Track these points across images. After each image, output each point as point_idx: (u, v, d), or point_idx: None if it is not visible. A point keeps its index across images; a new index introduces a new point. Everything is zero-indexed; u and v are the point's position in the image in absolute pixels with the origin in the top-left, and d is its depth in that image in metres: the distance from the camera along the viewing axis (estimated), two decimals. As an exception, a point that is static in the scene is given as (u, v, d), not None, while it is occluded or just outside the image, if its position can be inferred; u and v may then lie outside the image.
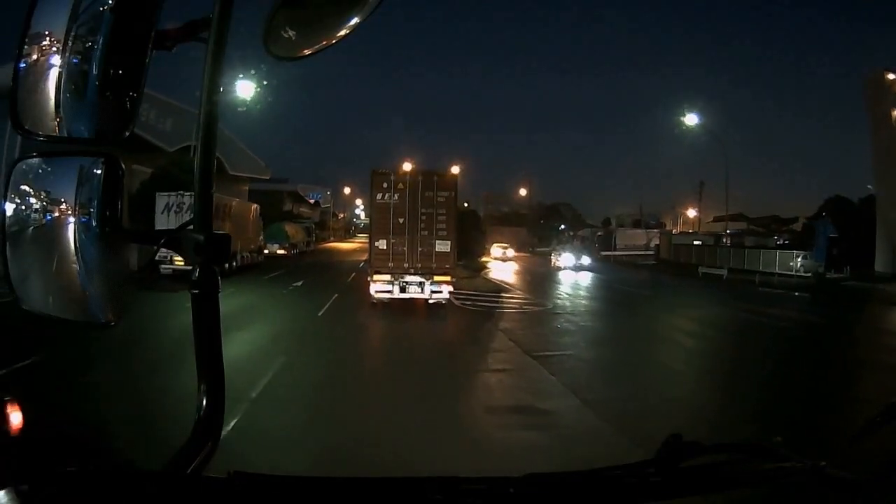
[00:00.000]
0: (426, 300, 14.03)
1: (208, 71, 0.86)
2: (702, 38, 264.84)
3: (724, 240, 40.86)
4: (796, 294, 22.69)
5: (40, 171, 0.96)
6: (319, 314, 13.02)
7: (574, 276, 29.80)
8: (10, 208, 0.93)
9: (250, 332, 10.13)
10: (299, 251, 38.91)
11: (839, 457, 1.03)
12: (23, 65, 0.90)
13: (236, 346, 8.28)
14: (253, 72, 17.64)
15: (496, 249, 43.31)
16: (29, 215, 0.95)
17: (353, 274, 22.47)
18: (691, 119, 35.53)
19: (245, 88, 20.44)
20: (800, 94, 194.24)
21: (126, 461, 0.89)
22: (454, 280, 14.40)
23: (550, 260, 39.28)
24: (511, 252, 44.59)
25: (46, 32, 0.88)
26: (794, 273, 28.64)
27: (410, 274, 13.74)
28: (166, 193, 19.84)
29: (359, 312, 13.61)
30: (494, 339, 10.92)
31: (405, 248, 13.74)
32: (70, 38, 0.87)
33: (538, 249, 58.04)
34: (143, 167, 21.64)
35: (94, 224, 0.89)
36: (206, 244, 0.87)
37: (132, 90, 0.88)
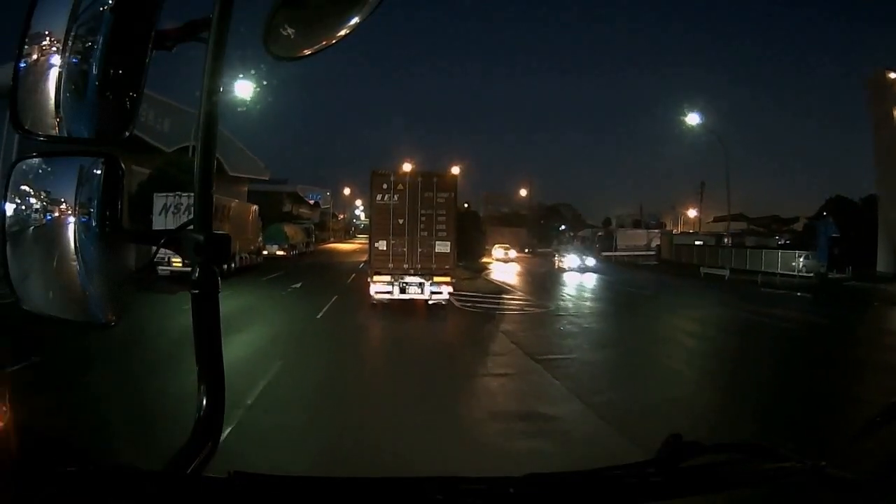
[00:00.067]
0: (426, 301, 14.02)
1: (208, 71, 0.86)
2: (702, 38, 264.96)
3: (726, 240, 40.87)
4: (798, 294, 22.69)
5: (40, 171, 0.96)
6: (318, 316, 12.95)
7: (577, 277, 29.73)
8: (10, 208, 0.93)
9: (249, 334, 10.06)
10: (298, 252, 38.79)
11: (839, 457, 1.03)
12: (23, 65, 0.90)
13: (234, 349, 8.25)
14: (253, 72, 17.58)
15: (498, 250, 43.18)
16: (29, 215, 0.95)
17: (353, 275, 22.41)
18: (692, 119, 35.46)
19: (244, 88, 20.37)
20: (800, 94, 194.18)
21: (126, 461, 0.89)
22: (454, 281, 14.38)
23: (552, 261, 39.08)
24: (513, 253, 44.50)
25: (46, 32, 0.89)
26: (796, 273, 28.68)
27: (410, 275, 13.73)
28: (164, 194, 19.73)
29: (358, 314, 13.57)
30: (496, 341, 10.80)
31: (405, 249, 13.72)
32: (70, 38, 0.87)
33: (539, 250, 58.02)
34: (141, 168, 21.59)
35: (94, 224, 0.89)
36: (206, 244, 0.87)
37: (132, 90, 0.88)
